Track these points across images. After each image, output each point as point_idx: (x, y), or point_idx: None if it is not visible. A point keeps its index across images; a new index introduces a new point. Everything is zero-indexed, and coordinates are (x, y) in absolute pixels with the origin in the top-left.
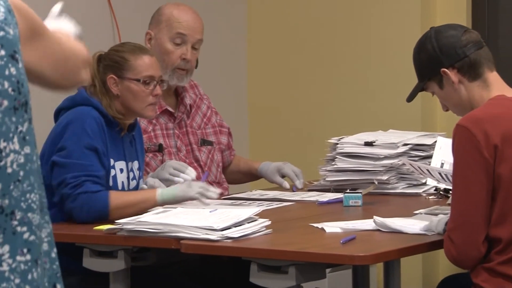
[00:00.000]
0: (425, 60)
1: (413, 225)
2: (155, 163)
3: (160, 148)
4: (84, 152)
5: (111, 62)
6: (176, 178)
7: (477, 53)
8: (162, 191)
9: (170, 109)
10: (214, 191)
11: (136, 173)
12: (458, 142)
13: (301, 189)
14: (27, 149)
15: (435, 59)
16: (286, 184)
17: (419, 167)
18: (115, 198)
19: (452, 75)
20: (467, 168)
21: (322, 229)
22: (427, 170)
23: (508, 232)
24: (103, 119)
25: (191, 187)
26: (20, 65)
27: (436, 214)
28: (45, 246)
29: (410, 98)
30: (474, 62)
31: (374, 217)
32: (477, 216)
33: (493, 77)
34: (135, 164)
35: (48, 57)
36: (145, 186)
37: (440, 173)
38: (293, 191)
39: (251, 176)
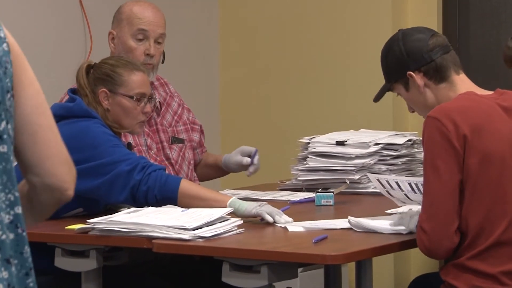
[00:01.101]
0: (392, 62)
1: (387, 225)
2: None
3: (128, 147)
4: (120, 147)
5: (104, 76)
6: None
7: (443, 58)
8: (235, 199)
9: None
10: (286, 219)
11: None
12: (428, 133)
13: (273, 189)
14: (3, 148)
15: (401, 62)
16: (248, 160)
17: (387, 181)
18: (187, 184)
19: (418, 78)
20: (438, 158)
21: (285, 228)
22: (396, 182)
23: (474, 226)
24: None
25: (264, 206)
26: None
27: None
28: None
29: (377, 98)
30: (440, 66)
31: (349, 217)
32: (449, 206)
33: (460, 79)
34: None
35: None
36: None
37: (410, 184)
38: (252, 163)
39: (217, 169)
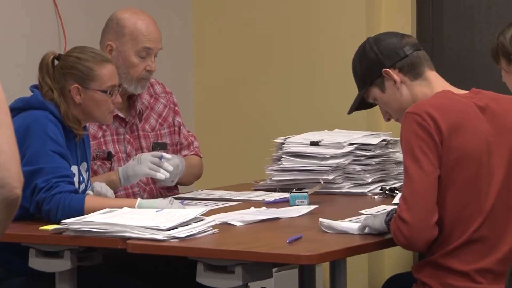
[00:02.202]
0: (366, 66)
1: (356, 226)
2: (103, 171)
3: (109, 156)
4: (50, 155)
5: (73, 70)
6: (158, 174)
7: (417, 53)
8: (141, 202)
9: (120, 114)
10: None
11: (85, 175)
12: (408, 127)
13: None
14: None
15: (376, 63)
16: (161, 176)
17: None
18: (91, 200)
19: (394, 74)
20: (418, 150)
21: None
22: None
23: (448, 224)
24: (60, 125)
25: (172, 204)
26: None
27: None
28: None
29: (351, 110)
30: (414, 61)
31: (320, 219)
32: (430, 196)
33: (435, 76)
34: (84, 166)
35: None
36: (90, 192)
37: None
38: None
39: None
